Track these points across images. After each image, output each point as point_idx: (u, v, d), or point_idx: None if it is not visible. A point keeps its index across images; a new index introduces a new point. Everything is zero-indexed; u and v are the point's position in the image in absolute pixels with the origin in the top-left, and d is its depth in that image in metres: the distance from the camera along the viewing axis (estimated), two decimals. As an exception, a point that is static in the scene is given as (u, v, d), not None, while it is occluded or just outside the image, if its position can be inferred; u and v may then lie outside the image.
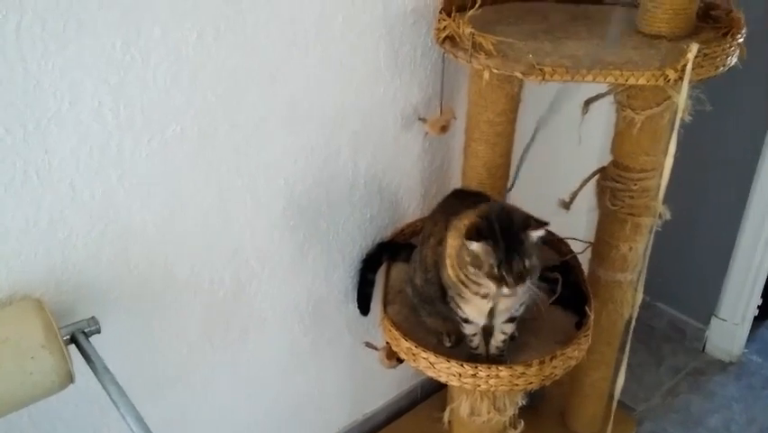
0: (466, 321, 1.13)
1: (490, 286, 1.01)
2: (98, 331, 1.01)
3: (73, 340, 0.98)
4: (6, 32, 0.86)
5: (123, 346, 1.12)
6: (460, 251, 1.03)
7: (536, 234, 1.00)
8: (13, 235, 0.96)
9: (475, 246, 0.99)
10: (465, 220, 1.03)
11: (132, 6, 0.94)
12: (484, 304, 1.07)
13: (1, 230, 0.95)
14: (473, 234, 0.99)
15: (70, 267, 1.03)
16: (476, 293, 1.06)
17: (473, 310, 1.09)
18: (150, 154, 1.05)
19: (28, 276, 0.99)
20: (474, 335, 1.16)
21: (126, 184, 1.04)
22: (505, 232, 0.99)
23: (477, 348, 1.18)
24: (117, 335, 1.11)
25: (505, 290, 1.00)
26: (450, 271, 1.07)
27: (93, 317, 1.01)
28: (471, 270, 1.01)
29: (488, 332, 1.17)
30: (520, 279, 1.00)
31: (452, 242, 1.05)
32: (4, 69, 0.87)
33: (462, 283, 1.06)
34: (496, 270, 0.99)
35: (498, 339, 1.16)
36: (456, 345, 1.22)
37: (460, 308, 1.10)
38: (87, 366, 0.96)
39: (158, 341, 1.21)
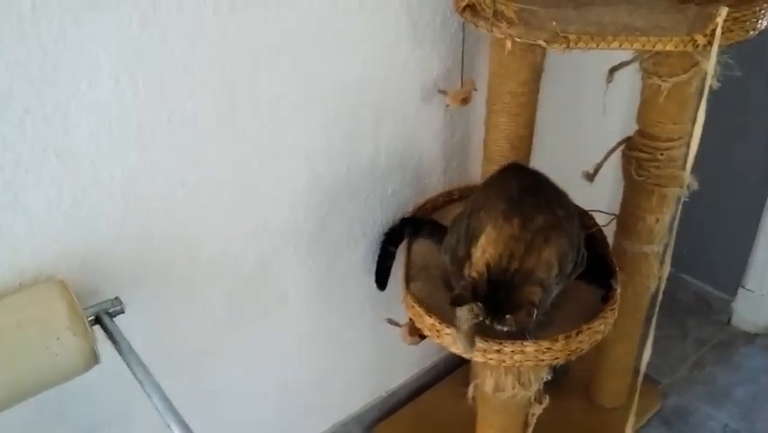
0: None
1: None
2: (122, 311, 1.01)
3: (98, 321, 0.98)
4: (23, 10, 0.84)
5: (147, 326, 1.12)
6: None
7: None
8: (36, 216, 0.96)
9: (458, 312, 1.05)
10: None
11: (148, -20, 0.93)
12: None
13: (23, 211, 0.94)
14: (458, 300, 1.05)
15: (93, 247, 1.03)
16: None
17: None
18: (170, 132, 1.04)
19: (51, 257, 0.99)
20: None
21: (147, 163, 1.03)
22: (499, 297, 1.03)
23: None
24: (141, 314, 1.10)
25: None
26: None
27: (117, 298, 1.01)
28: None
29: None
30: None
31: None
32: (21, 48, 0.86)
33: None
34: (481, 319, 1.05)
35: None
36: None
37: None
38: (112, 346, 0.96)
39: (182, 319, 1.21)
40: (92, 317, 0.98)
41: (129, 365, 0.92)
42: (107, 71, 0.94)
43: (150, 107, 1.00)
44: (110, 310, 0.99)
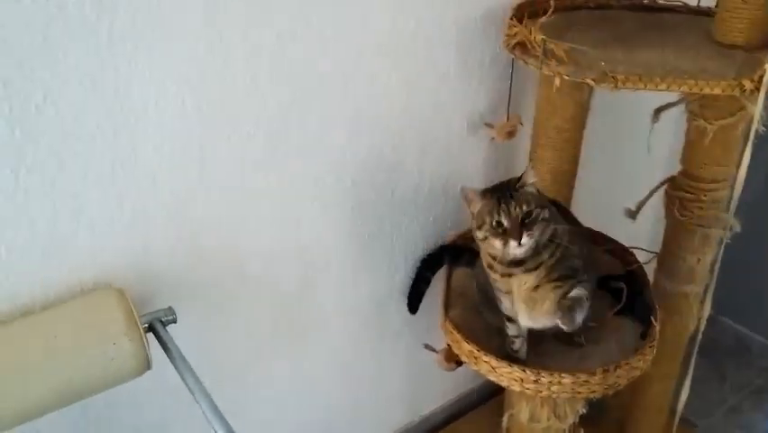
0: (509, 320, 1.15)
1: (497, 245, 1.04)
2: (175, 321, 1.05)
3: (151, 328, 1.02)
4: (100, 33, 0.90)
5: (194, 336, 1.15)
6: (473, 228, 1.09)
7: (529, 181, 1.05)
8: (99, 228, 1.01)
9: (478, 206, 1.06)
10: None
11: (216, 10, 0.98)
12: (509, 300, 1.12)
13: (88, 222, 1.00)
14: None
15: (149, 259, 1.08)
16: (498, 277, 1.10)
17: (508, 301, 1.12)
18: (229, 153, 1.09)
19: (111, 267, 1.04)
20: (516, 336, 1.17)
21: (205, 180, 1.08)
22: (500, 190, 1.07)
23: (518, 351, 1.18)
24: (190, 325, 1.14)
25: (511, 243, 1.03)
26: (483, 256, 1.12)
27: (170, 307, 1.05)
28: (480, 234, 1.06)
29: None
30: (522, 226, 1.02)
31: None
32: (98, 68, 0.92)
33: (490, 267, 1.10)
34: (496, 217, 1.03)
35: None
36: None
37: (501, 302, 1.14)
38: (163, 354, 1.00)
39: (228, 334, 1.24)
40: (146, 325, 1.02)
41: (180, 373, 0.96)
42: (174, 92, 0.99)
43: (213, 128, 1.05)
44: (163, 319, 1.03)
